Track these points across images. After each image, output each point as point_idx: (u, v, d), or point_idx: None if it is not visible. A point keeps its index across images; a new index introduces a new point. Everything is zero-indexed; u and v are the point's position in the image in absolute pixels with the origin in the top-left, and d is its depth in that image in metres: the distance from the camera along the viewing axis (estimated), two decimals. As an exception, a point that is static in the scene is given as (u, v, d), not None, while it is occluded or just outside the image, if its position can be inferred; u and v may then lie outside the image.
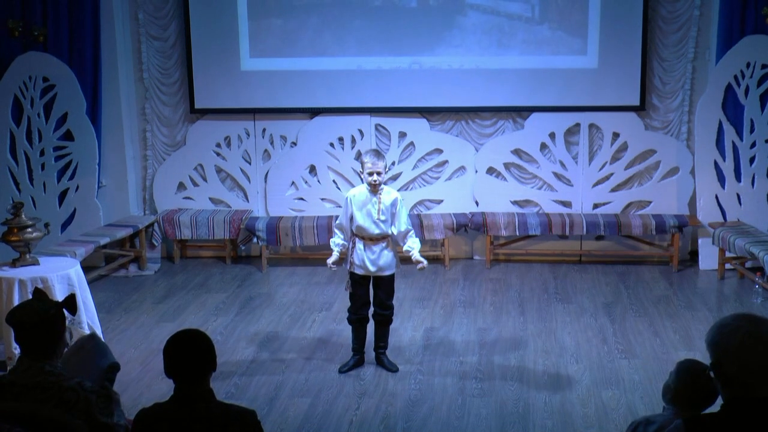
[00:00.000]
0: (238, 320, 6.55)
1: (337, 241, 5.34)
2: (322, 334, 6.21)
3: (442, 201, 8.11)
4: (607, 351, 5.81)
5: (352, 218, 5.23)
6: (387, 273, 5.30)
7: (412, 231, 5.31)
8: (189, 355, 2.98)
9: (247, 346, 6.02)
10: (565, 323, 6.37)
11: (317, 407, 5.02)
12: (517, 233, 7.84)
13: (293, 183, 8.24)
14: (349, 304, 5.47)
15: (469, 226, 7.91)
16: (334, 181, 8.22)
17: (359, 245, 5.23)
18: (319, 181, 8.21)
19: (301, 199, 8.25)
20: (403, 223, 5.26)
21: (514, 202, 8.12)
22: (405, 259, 5.49)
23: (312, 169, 8.22)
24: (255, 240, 7.90)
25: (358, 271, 5.27)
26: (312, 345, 6.01)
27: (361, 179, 5.28)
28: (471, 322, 6.43)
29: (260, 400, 5.11)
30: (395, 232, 5.27)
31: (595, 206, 8.04)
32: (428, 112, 8.07)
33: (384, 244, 5.24)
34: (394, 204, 5.24)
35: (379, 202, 5.17)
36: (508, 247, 8.13)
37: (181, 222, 7.97)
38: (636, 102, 7.78)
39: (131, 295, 7.25)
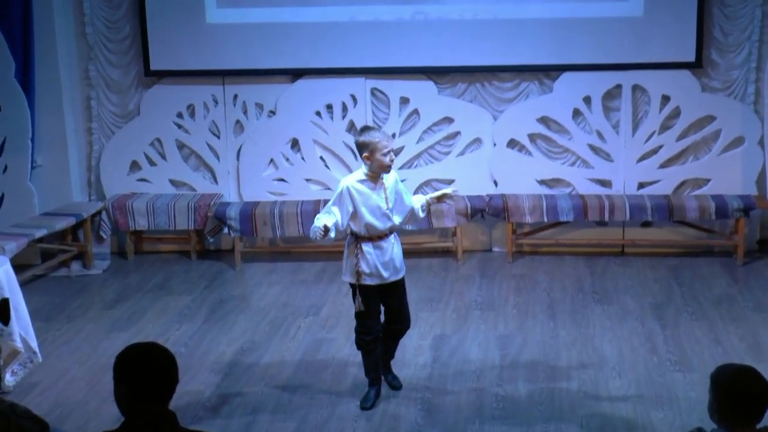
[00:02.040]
0: (206, 328, 6.54)
1: (329, 218, 5.02)
2: (308, 344, 6.20)
3: (453, 181, 8.08)
4: (657, 363, 5.79)
5: (353, 215, 5.07)
6: (401, 275, 5.23)
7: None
8: (145, 374, 2.97)
9: (218, 359, 6.01)
10: (604, 329, 6.35)
11: (303, 434, 5.02)
12: (545, 219, 7.83)
13: (272, 161, 8.22)
14: (353, 323, 5.31)
15: (487, 212, 7.90)
16: (321, 157, 8.19)
17: (367, 248, 5.09)
18: (303, 159, 8.19)
19: (282, 180, 8.24)
20: (409, 196, 5.21)
21: (541, 182, 8.10)
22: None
23: (294, 144, 8.19)
24: (226, 230, 7.89)
25: (370, 282, 5.11)
26: (297, 357, 5.99)
27: (366, 162, 5.04)
28: (490, 329, 6.42)
29: (234, 425, 5.09)
30: (408, 209, 5.16)
31: (641, 186, 8.02)
32: (436, 73, 8.04)
33: (392, 240, 5.16)
34: (396, 185, 5.17)
35: (384, 189, 5.09)
36: (535, 236, 8.12)
37: (135, 209, 7.95)
38: (691, 57, 7.74)
39: (75, 299, 7.24)
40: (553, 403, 5.27)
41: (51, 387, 5.65)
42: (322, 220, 4.99)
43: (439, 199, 5.21)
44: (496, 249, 8.23)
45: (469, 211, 7.80)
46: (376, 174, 5.07)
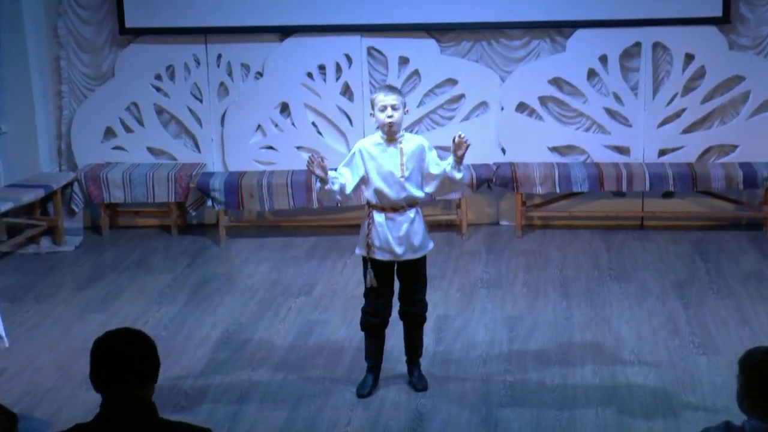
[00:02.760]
0: (188, 310, 6.54)
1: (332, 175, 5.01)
2: (300, 327, 6.20)
3: (457, 148, 8.04)
4: (680, 345, 5.79)
5: (365, 180, 5.04)
6: (419, 254, 5.15)
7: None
8: (122, 362, 2.99)
9: (201, 343, 6.00)
10: (622, 309, 6.35)
11: (295, 422, 5.01)
12: (558, 190, 7.82)
13: (259, 127, 8.20)
14: (362, 302, 5.27)
15: (494, 182, 7.89)
16: (313, 123, 8.17)
17: (378, 219, 5.03)
18: (293, 124, 8.17)
19: (270, 148, 8.22)
20: (439, 164, 5.03)
21: (553, 149, 8.09)
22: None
23: (284, 108, 8.17)
24: (209, 203, 7.88)
25: (381, 256, 5.07)
26: (287, 341, 5.99)
27: (376, 126, 5.08)
28: (497, 309, 6.41)
29: (219, 414, 5.10)
30: (439, 177, 5.02)
31: (662, 153, 8.01)
32: (438, 31, 8.01)
33: (411, 214, 5.08)
34: (420, 152, 5.04)
35: (401, 154, 5.02)
36: (546, 208, 8.12)
37: (110, 180, 7.93)
38: (717, 12, 7.71)
39: (44, 278, 7.23)
40: (566, 390, 5.26)
41: (19, 373, 5.63)
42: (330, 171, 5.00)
43: (456, 152, 4.96)
44: (504, 222, 8.22)
45: (474, 181, 7.77)
46: (390, 137, 5.02)
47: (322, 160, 4.91)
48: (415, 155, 5.05)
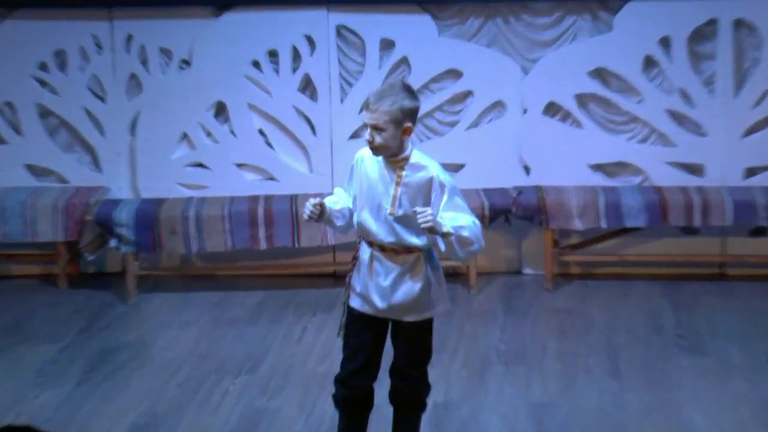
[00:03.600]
0: (83, 394, 6.47)
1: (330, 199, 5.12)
2: (241, 417, 6.16)
3: (463, 166, 8.08)
4: (779, 442, 5.80)
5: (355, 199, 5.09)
6: (410, 318, 5.06)
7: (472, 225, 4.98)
8: None
9: (99, 443, 5.93)
10: (696, 392, 6.34)
11: None
12: (603, 225, 7.82)
13: (185, 136, 8.24)
14: (329, 381, 5.25)
15: (514, 213, 7.89)
16: (260, 131, 8.22)
17: (364, 256, 5.06)
18: (233, 133, 8.22)
19: (201, 165, 8.26)
20: (446, 220, 4.85)
21: (597, 168, 8.13)
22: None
23: (220, 111, 8.24)
24: (113, 243, 7.84)
25: (358, 305, 5.09)
26: (222, 439, 5.95)
27: None
28: (520, 392, 6.40)
29: None
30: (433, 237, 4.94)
31: (750, 173, 8.07)
32: (435, 4, 8.08)
33: (409, 265, 4.99)
34: (426, 189, 4.93)
35: (397, 183, 4.94)
36: (586, 250, 8.17)
37: (-26, 211, 7.90)
38: (823, -23, 7.85)
39: None
40: (620, 507, 5.24)
41: None
42: (327, 198, 5.10)
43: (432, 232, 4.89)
44: (528, 270, 8.28)
45: (486, 212, 7.72)
46: (392, 161, 4.94)
47: (316, 206, 4.90)
48: (415, 191, 4.93)
